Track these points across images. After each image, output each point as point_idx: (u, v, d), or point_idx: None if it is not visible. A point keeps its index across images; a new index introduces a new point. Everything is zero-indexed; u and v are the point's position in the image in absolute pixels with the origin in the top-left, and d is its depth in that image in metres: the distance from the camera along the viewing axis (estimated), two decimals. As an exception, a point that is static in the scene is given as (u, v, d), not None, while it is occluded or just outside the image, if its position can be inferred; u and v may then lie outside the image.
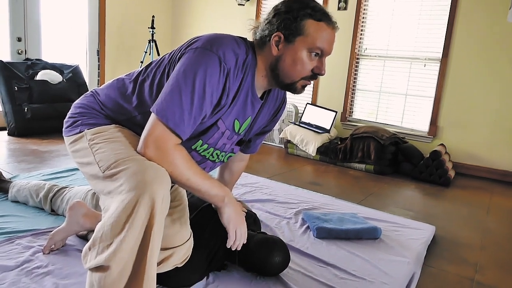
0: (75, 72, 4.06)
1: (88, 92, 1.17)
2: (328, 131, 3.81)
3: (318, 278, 1.43)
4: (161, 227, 0.91)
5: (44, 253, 1.43)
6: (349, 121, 4.13)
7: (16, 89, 3.57)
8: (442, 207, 2.60)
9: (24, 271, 1.32)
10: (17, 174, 2.40)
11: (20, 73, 3.64)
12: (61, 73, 3.92)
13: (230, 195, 1.08)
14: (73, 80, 3.97)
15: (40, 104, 3.64)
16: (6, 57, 3.77)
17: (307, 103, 4.08)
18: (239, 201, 1.92)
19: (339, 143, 3.69)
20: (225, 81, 0.97)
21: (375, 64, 3.98)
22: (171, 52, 1.06)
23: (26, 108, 3.56)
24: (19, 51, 3.88)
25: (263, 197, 2.29)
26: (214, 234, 1.38)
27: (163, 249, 1.24)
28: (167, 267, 1.24)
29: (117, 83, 1.11)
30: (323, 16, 1.03)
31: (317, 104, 4.18)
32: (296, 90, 1.09)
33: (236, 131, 1.12)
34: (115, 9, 4.59)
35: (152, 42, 4.48)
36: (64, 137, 1.13)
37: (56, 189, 1.81)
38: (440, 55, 3.57)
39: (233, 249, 1.11)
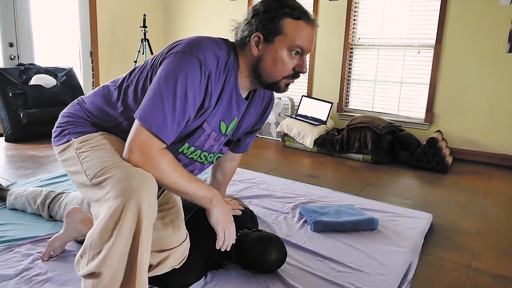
0: (69, 75, 4.05)
1: (74, 101, 1.18)
2: (324, 122, 3.82)
3: (315, 272, 1.44)
4: (149, 231, 0.91)
5: (43, 260, 1.45)
6: (345, 111, 4.13)
7: (11, 95, 3.57)
8: (440, 194, 2.61)
9: (24, 279, 1.33)
10: (15, 181, 2.41)
11: (14, 78, 3.64)
12: (55, 76, 3.92)
13: (218, 196, 1.09)
14: (68, 83, 3.96)
15: (35, 109, 3.64)
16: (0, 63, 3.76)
17: (303, 96, 4.07)
18: (236, 198, 1.94)
19: (336, 134, 3.69)
20: (207, 84, 0.97)
21: (369, 53, 3.96)
22: (153, 57, 1.06)
23: (21, 114, 3.56)
24: (12, 57, 3.86)
25: (261, 193, 2.30)
26: (210, 234, 1.38)
27: (159, 251, 1.25)
28: (165, 268, 1.25)
29: (102, 90, 1.12)
30: (301, 14, 1.02)
31: (313, 96, 4.17)
32: (279, 90, 1.09)
33: (223, 132, 1.13)
34: (105, 9, 4.56)
35: (145, 41, 4.47)
36: (53, 147, 1.13)
37: (53, 195, 1.82)
38: (434, 42, 3.55)
39: (222, 249, 1.12)
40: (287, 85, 1.10)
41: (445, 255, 1.71)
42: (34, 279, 1.33)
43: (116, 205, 0.88)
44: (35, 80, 3.73)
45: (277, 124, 4.14)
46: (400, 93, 3.85)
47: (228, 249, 1.14)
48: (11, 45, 3.85)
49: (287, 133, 3.82)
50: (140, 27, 4.47)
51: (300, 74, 1.08)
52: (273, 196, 2.26)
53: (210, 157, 1.18)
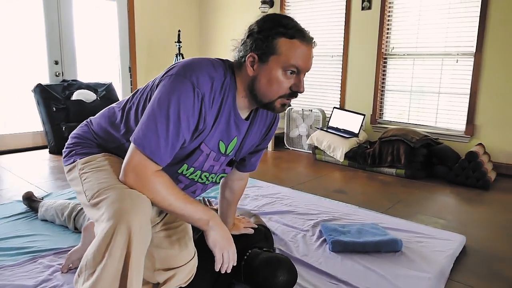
0: (109, 89, 4.26)
1: (83, 122, 1.22)
2: (356, 135, 3.70)
3: (327, 296, 1.38)
4: (140, 253, 0.92)
5: (62, 272, 1.50)
6: (379, 123, 3.99)
7: (54, 109, 3.81)
8: (478, 214, 2.43)
9: (41, 290, 1.39)
10: (50, 192, 2.54)
11: (58, 94, 3.88)
12: (95, 91, 4.13)
13: (215, 218, 1.07)
14: (107, 97, 4.16)
15: (76, 122, 3.85)
16: (45, 80, 4.03)
17: (334, 107, 3.99)
18: (254, 215, 1.92)
19: (368, 147, 3.57)
20: (201, 106, 0.97)
21: (404, 63, 3.81)
22: (154, 79, 1.08)
23: (63, 127, 3.78)
24: (57, 74, 4.13)
25: (283, 209, 2.26)
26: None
27: (166, 269, 1.26)
28: (171, 287, 1.25)
29: (108, 112, 1.15)
30: (296, 33, 1.00)
31: (345, 108, 4.08)
32: (275, 109, 1.07)
33: (223, 152, 1.12)
34: (143, 26, 4.77)
35: (179, 55, 4.60)
36: (64, 167, 1.18)
37: (79, 208, 1.90)
38: (474, 49, 3.35)
39: (222, 271, 1.10)
40: (283, 105, 1.07)
41: (477, 284, 1.57)
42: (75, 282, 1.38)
43: (108, 228, 0.90)
44: (77, 95, 3.95)
45: (308, 136, 4.08)
46: (438, 104, 3.65)
47: (229, 271, 1.12)
48: (56, 62, 4.11)
49: (317, 146, 3.75)
50: (175, 42, 4.62)
51: (298, 93, 1.05)
52: (295, 212, 2.21)
53: (212, 177, 1.18)
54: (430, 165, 3.28)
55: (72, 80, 4.13)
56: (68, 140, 1.19)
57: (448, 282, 1.57)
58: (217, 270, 1.09)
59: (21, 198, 2.22)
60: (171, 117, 0.94)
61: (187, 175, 1.10)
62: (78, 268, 0.94)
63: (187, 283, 1.29)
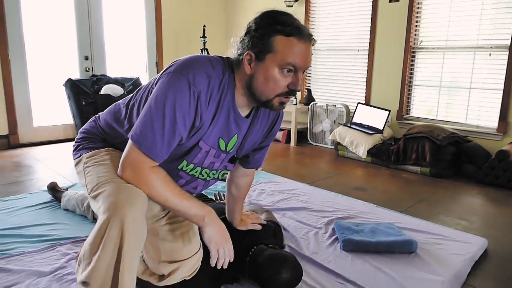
0: (136, 84, 4.36)
1: (92, 117, 1.26)
2: (380, 131, 3.61)
3: (332, 296, 1.36)
4: (133, 247, 0.94)
5: (76, 260, 1.57)
6: (406, 119, 3.86)
7: (84, 103, 3.95)
8: (504, 217, 2.30)
9: (56, 277, 1.46)
10: (75, 183, 2.65)
11: (87, 88, 4.02)
12: (123, 86, 4.25)
13: (211, 214, 1.08)
14: (134, 92, 4.26)
15: (104, 116, 3.98)
16: (76, 75, 4.19)
17: (358, 103, 3.90)
18: (267, 210, 1.92)
19: (392, 144, 3.47)
20: (196, 104, 0.98)
21: (434, 57, 3.66)
22: (156, 76, 1.09)
23: (92, 120, 3.91)
24: (87, 69, 4.28)
25: (298, 205, 2.24)
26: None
27: (170, 262, 1.28)
28: (175, 279, 1.27)
29: (114, 108, 1.18)
30: (293, 30, 0.98)
31: (370, 104, 3.97)
32: (273, 108, 1.05)
33: (223, 150, 1.12)
34: (170, 21, 4.84)
35: (204, 50, 4.64)
36: (73, 161, 1.23)
37: (97, 199, 1.97)
38: (509, 42, 3.16)
39: (218, 267, 1.11)
40: (281, 104, 1.05)
41: (494, 289, 1.50)
42: (65, 278, 1.45)
43: (102, 220, 0.93)
44: (105, 89, 4.08)
45: (331, 132, 4.01)
46: (469, 100, 3.48)
47: (225, 266, 1.12)
48: (86, 58, 4.26)
49: (339, 142, 3.68)
50: (200, 37, 4.66)
51: (296, 92, 1.03)
52: (310, 209, 2.19)
53: (213, 174, 1.18)
54: (458, 164, 3.14)
55: (101, 75, 4.27)
56: (77, 135, 1.23)
57: (464, 286, 1.51)
58: (212, 265, 1.10)
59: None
60: (167, 115, 0.95)
61: (187, 171, 1.11)
62: (78, 258, 0.98)
63: (191, 276, 1.31)
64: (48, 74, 4.05)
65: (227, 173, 1.25)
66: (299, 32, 0.98)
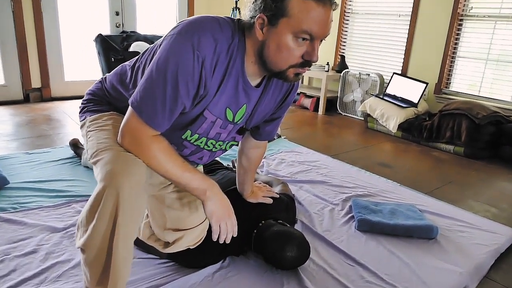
0: (164, 42, 4.30)
1: (99, 78, 1.21)
2: (415, 105, 3.39)
3: (339, 277, 1.31)
4: (128, 218, 0.91)
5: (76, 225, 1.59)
6: (444, 93, 3.60)
7: (113, 60, 3.94)
8: (542, 206, 2.13)
9: (68, 234, 1.49)
10: (99, 140, 2.68)
11: (116, 45, 4.00)
12: (151, 44, 4.19)
13: (214, 188, 1.03)
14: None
15: (132, 74, 3.98)
16: (106, 31, 4.17)
17: (394, 73, 3.66)
18: (282, 182, 1.86)
19: (426, 119, 3.26)
20: (201, 70, 0.89)
21: (483, 26, 3.33)
22: (162, 37, 1.02)
23: (120, 78, 3.93)
24: (117, 24, 4.24)
25: (317, 178, 2.17)
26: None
27: (175, 230, 1.27)
28: (179, 247, 1.26)
29: (120, 70, 1.12)
30: None
31: (407, 75, 3.72)
32: (287, 79, 0.95)
33: (230, 120, 1.04)
34: (202, -22, 4.66)
35: (236, 9, 4.47)
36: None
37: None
38: None
39: (220, 242, 1.07)
40: (297, 75, 0.95)
41: (518, 285, 1.40)
42: (75, 235, 1.48)
43: (98, 189, 0.90)
44: (134, 47, 4.05)
45: (362, 102, 3.83)
46: (518, 76, 3.18)
47: (228, 241, 1.09)
48: (117, 13, 4.22)
49: (369, 114, 3.51)
50: (232, -5, 4.47)
51: (312, 63, 0.92)
52: (329, 183, 2.11)
53: (220, 145, 1.12)
54: (496, 146, 2.92)
55: (131, 32, 4.22)
56: (84, 97, 1.19)
57: (484, 280, 1.41)
58: (214, 240, 1.07)
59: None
60: (169, 81, 0.88)
61: (191, 141, 1.05)
62: (77, 222, 0.97)
63: (195, 245, 1.29)
64: (80, 28, 4.05)
65: (235, 144, 1.19)
66: None
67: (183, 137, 1.03)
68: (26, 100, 3.82)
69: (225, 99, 0.98)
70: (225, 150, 1.18)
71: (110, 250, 0.91)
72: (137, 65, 1.06)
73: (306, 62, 0.91)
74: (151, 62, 0.92)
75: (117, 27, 4.25)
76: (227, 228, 1.06)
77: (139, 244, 1.41)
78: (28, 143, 2.62)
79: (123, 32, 4.21)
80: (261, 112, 1.11)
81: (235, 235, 1.09)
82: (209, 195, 1.01)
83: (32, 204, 1.69)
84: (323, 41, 0.92)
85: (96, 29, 4.01)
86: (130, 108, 0.93)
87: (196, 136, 1.03)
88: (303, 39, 0.87)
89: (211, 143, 1.09)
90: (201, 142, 1.07)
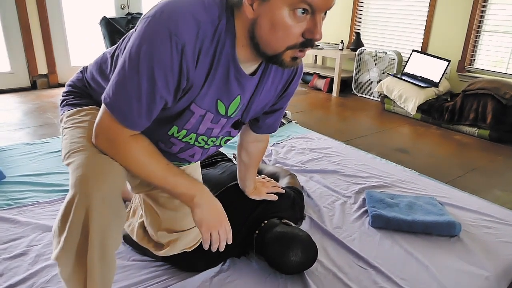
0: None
1: (80, 68, 1.09)
2: (436, 84, 3.17)
3: (349, 283, 1.19)
4: (102, 231, 0.80)
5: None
6: (468, 71, 3.36)
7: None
8: None
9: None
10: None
11: (121, 27, 3.87)
12: (158, 25, 4.05)
13: (203, 194, 0.90)
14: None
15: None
16: (111, 13, 4.03)
17: (413, 50, 3.43)
18: (290, 174, 1.73)
19: (448, 100, 3.05)
20: (181, 60, 0.75)
21: (513, -4, 3.05)
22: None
23: (126, 62, 3.81)
24: (122, 6, 4.10)
25: (328, 167, 2.03)
26: (231, 219, 1.23)
27: (170, 231, 1.17)
28: (174, 250, 1.17)
29: (101, 58, 0.99)
30: None
31: (427, 52, 3.48)
32: (283, 64, 0.79)
33: (222, 114, 0.90)
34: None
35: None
36: None
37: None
38: None
39: (213, 250, 0.96)
40: (294, 59, 0.78)
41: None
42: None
43: (69, 197, 0.80)
44: (139, 29, 3.91)
45: (379, 82, 3.62)
46: (551, 50, 2.92)
47: (221, 249, 0.97)
48: (121, -6, 4.07)
49: (386, 95, 3.31)
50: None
51: (313, 42, 0.76)
52: (341, 173, 1.97)
53: (212, 141, 0.99)
54: (525, 128, 2.70)
55: (136, 13, 4.08)
56: (64, 88, 1.07)
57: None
58: (205, 249, 0.96)
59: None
60: (143, 74, 0.74)
61: (179, 138, 0.93)
62: (52, 230, 0.87)
63: (192, 248, 1.19)
64: (84, 12, 3.93)
65: (230, 140, 1.06)
66: None
67: (169, 133, 0.90)
68: (33, 87, 3.77)
69: (215, 90, 0.85)
70: (220, 146, 1.05)
71: (85, 265, 0.81)
72: (116, 52, 0.93)
73: (308, 41, 0.75)
74: (124, 51, 0.79)
75: (122, 9, 4.11)
76: (219, 236, 0.94)
77: (133, 245, 1.32)
78: (31, 133, 2.56)
79: (128, 14, 4.07)
80: (259, 104, 0.97)
81: (229, 243, 0.98)
82: (198, 202, 0.89)
83: (27, 200, 1.62)
84: (326, 14, 0.76)
85: (101, 12, 3.89)
86: (103, 105, 0.81)
87: (184, 132, 0.90)
88: (303, 11, 0.71)
89: (202, 139, 0.96)
90: (190, 139, 0.94)
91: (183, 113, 0.86)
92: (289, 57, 0.77)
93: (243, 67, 0.85)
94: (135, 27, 0.81)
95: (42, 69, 3.78)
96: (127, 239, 1.34)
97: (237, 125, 0.99)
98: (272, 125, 1.11)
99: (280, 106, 1.05)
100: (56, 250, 0.83)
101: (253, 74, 0.89)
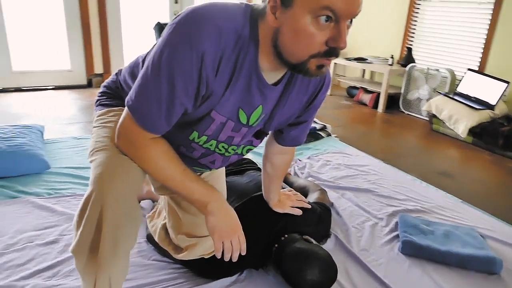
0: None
1: (116, 70, 1.14)
2: (491, 107, 2.96)
3: (369, 311, 1.13)
4: (115, 229, 0.82)
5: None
6: (530, 95, 3.10)
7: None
8: None
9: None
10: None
11: (173, 33, 4.03)
12: (208, 32, 4.16)
13: (218, 202, 0.90)
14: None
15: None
16: (166, 19, 4.21)
17: (469, 69, 3.23)
18: (320, 189, 1.69)
19: (504, 124, 2.83)
20: (200, 67, 0.75)
21: None
22: None
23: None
24: (175, 13, 4.27)
25: (363, 186, 1.95)
26: (252, 230, 1.22)
27: (189, 235, 1.18)
28: (192, 255, 1.18)
29: (134, 63, 1.03)
30: None
31: (484, 72, 3.27)
32: (308, 73, 0.76)
33: (244, 123, 0.90)
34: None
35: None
36: None
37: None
38: None
39: (226, 259, 0.95)
40: (319, 67, 0.75)
41: None
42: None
43: (87, 193, 0.83)
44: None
45: (428, 101, 3.45)
46: None
47: (234, 259, 0.96)
48: (176, 1, 4.24)
49: (435, 115, 3.14)
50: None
51: (339, 51, 0.73)
52: (376, 192, 1.89)
53: (233, 149, 0.98)
54: None
55: (189, 20, 4.23)
56: (100, 89, 1.13)
57: (558, 335, 1.13)
58: (218, 257, 0.95)
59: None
60: (163, 78, 0.76)
61: (200, 143, 0.93)
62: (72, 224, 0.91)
63: (210, 255, 1.19)
64: (140, 16, 4.14)
65: (252, 149, 1.05)
66: None
67: (190, 138, 0.91)
68: (89, 85, 4.01)
69: (236, 98, 0.84)
70: (242, 154, 1.04)
71: (94, 259, 0.84)
72: (146, 57, 0.96)
73: (332, 50, 0.72)
74: (149, 56, 0.81)
75: (175, 15, 4.27)
76: (232, 246, 0.93)
77: (155, 245, 1.34)
78: (82, 128, 2.72)
79: (181, 20, 4.22)
80: (283, 115, 0.95)
81: (243, 253, 0.96)
82: (211, 209, 0.89)
83: (66, 191, 1.71)
84: (352, 22, 0.73)
85: (156, 17, 4.07)
86: (126, 108, 0.83)
87: (204, 137, 0.91)
88: (326, 19, 0.69)
89: (223, 146, 0.96)
90: (210, 145, 0.94)
91: (203, 119, 0.86)
92: (314, 65, 0.75)
93: (266, 76, 0.84)
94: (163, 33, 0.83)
95: (98, 68, 4.02)
96: (150, 238, 1.37)
97: (259, 135, 0.98)
98: (297, 137, 1.08)
99: (305, 119, 1.03)
100: (73, 243, 0.86)
101: (276, 84, 0.88)
